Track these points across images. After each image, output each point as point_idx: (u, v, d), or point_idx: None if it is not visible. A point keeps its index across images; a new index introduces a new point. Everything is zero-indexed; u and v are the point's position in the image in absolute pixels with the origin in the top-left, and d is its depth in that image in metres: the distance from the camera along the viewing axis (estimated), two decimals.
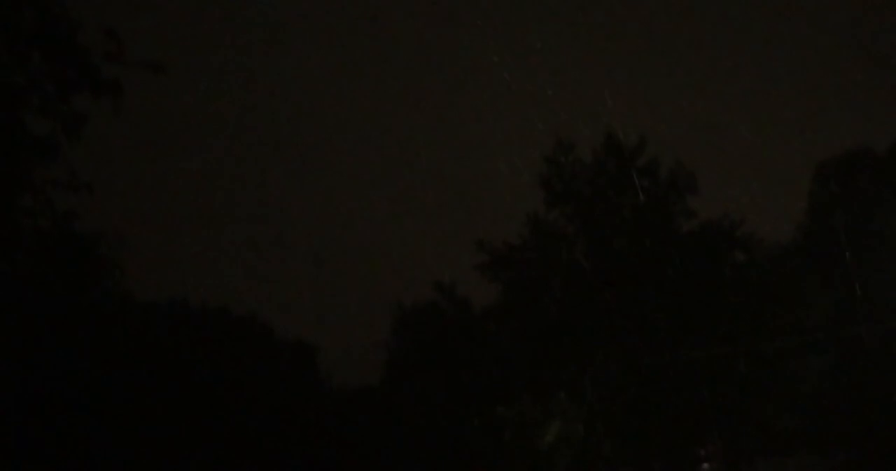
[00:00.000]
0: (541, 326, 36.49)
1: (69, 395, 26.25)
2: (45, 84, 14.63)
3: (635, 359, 34.43)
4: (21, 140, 14.34)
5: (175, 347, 36.38)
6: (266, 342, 45.32)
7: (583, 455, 35.45)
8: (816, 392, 33.56)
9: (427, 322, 47.07)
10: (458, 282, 46.57)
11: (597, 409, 34.98)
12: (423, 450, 43.73)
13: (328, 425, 44.00)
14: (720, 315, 34.59)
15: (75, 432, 27.15)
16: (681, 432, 35.06)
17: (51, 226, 17.24)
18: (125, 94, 16.87)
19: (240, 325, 44.78)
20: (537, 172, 35.94)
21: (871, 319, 32.06)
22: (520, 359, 37.41)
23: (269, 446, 40.05)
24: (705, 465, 37.65)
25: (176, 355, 35.58)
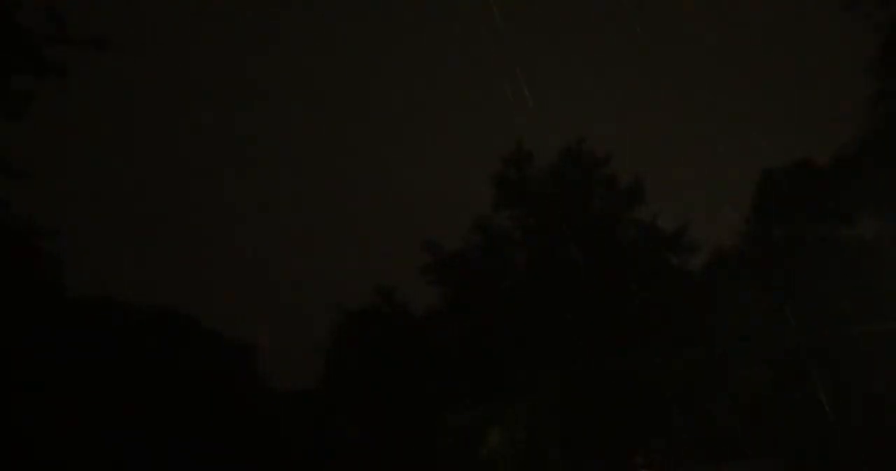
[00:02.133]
0: (483, 331, 36.30)
1: None
2: None
3: (578, 365, 34.45)
4: None
5: (104, 343, 35.28)
6: (202, 340, 44.20)
7: (526, 461, 35.30)
8: (754, 399, 33.91)
9: (366, 326, 46.47)
10: (402, 287, 46.07)
11: (541, 415, 34.89)
12: (358, 456, 43.12)
13: (263, 426, 43.10)
14: (660, 321, 34.87)
15: None
16: (621, 437, 35.18)
17: None
18: (68, 75, 16.17)
19: (175, 323, 43.62)
20: (490, 177, 36.01)
21: (806, 327, 32.54)
22: (461, 364, 37.12)
23: (203, 444, 39.04)
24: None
25: (104, 351, 34.53)
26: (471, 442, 36.19)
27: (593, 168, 35.29)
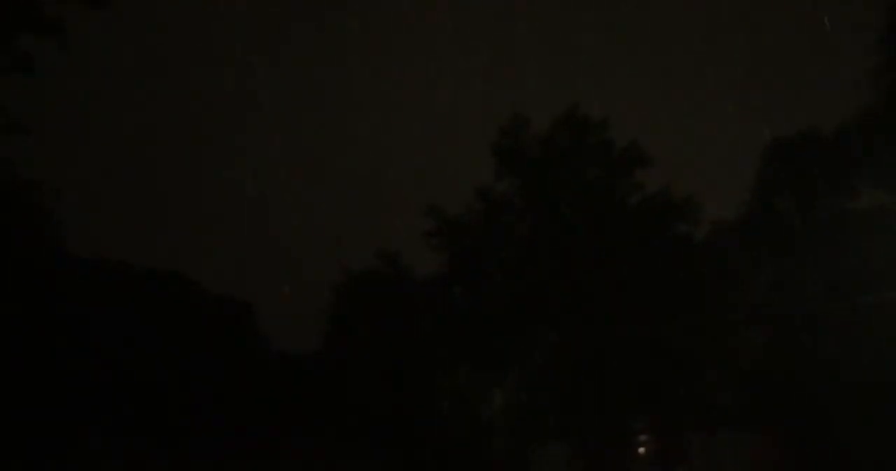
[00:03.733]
0: (485, 296, 36.48)
1: None
2: None
3: (578, 330, 34.63)
4: None
5: (103, 303, 35.42)
6: (201, 301, 44.44)
7: (526, 425, 35.65)
8: (753, 368, 34.08)
9: (369, 289, 46.66)
10: (406, 251, 46.19)
11: (541, 380, 35.15)
12: (360, 418, 43.50)
13: (265, 389, 43.48)
14: (661, 288, 34.93)
15: None
16: (620, 403, 35.45)
17: None
18: (68, 34, 16.11)
19: (172, 284, 43.81)
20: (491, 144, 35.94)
21: (807, 297, 32.60)
22: (463, 328, 37.33)
23: (203, 409, 39.42)
24: (642, 437, 38.18)
25: (101, 312, 34.68)
26: (472, 405, 36.54)
27: (588, 133, 35.17)
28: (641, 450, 38.23)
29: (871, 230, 31.12)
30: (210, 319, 43.56)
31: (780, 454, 34.52)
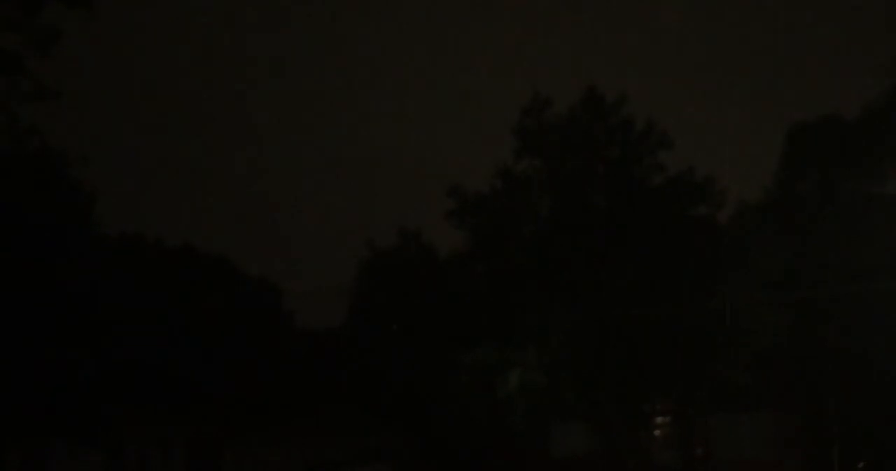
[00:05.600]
0: (506, 274, 36.73)
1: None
2: None
3: (598, 310, 34.81)
4: None
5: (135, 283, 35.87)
6: (228, 280, 45.06)
7: (542, 404, 35.94)
8: (773, 350, 34.08)
9: (392, 267, 47.15)
10: (429, 229, 46.66)
11: (560, 358, 35.38)
12: (381, 393, 44.09)
13: (290, 365, 44.12)
14: (681, 269, 35.00)
15: None
16: (637, 384, 35.65)
17: (12, 141, 16.85)
18: (96, 6, 16.50)
19: (201, 261, 44.46)
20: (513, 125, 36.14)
21: (825, 280, 32.51)
22: (483, 306, 37.65)
23: (230, 384, 40.07)
24: (659, 418, 38.38)
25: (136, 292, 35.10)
26: (489, 383, 36.89)
27: (608, 114, 35.25)
28: (657, 432, 38.47)
29: (893, 216, 30.97)
30: (238, 301, 44.15)
31: (798, 435, 34.67)
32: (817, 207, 34.10)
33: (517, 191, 36.31)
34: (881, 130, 30.92)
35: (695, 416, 37.80)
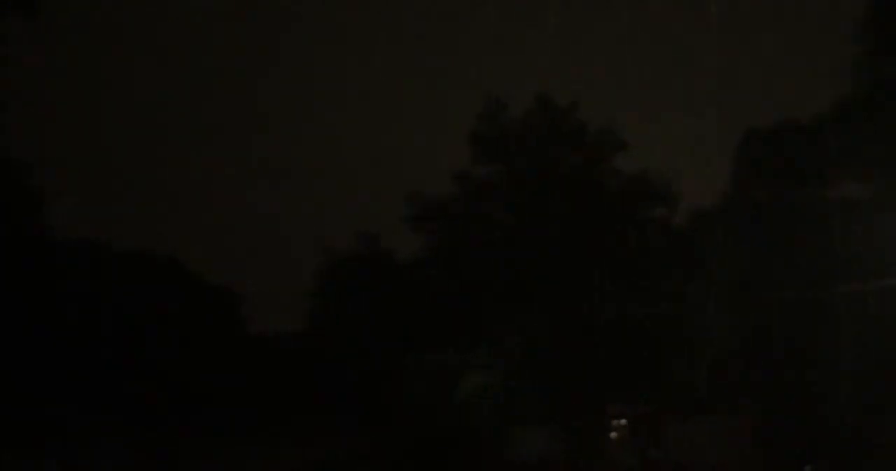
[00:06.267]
0: (464, 280, 36.67)
1: None
2: None
3: (557, 315, 34.89)
4: None
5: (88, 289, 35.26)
6: (184, 286, 44.37)
7: (501, 407, 35.93)
8: (728, 353, 34.35)
9: (350, 271, 46.82)
10: (390, 232, 46.22)
11: (518, 363, 35.41)
12: (335, 398, 43.73)
13: (248, 372, 43.61)
14: (640, 273, 35.21)
15: None
16: (596, 387, 35.76)
17: None
18: (40, 13, 15.96)
19: (155, 266, 43.71)
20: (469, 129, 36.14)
21: (776, 286, 32.83)
22: (442, 310, 37.54)
23: (184, 392, 39.48)
24: (617, 421, 38.48)
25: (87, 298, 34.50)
26: (446, 386, 36.79)
27: (562, 119, 35.45)
28: (613, 435, 38.56)
29: (849, 221, 31.36)
30: (194, 306, 43.52)
31: (753, 438, 34.97)
32: (772, 213, 34.44)
33: (475, 196, 36.31)
34: (836, 136, 31.26)
35: (651, 418, 37.99)
